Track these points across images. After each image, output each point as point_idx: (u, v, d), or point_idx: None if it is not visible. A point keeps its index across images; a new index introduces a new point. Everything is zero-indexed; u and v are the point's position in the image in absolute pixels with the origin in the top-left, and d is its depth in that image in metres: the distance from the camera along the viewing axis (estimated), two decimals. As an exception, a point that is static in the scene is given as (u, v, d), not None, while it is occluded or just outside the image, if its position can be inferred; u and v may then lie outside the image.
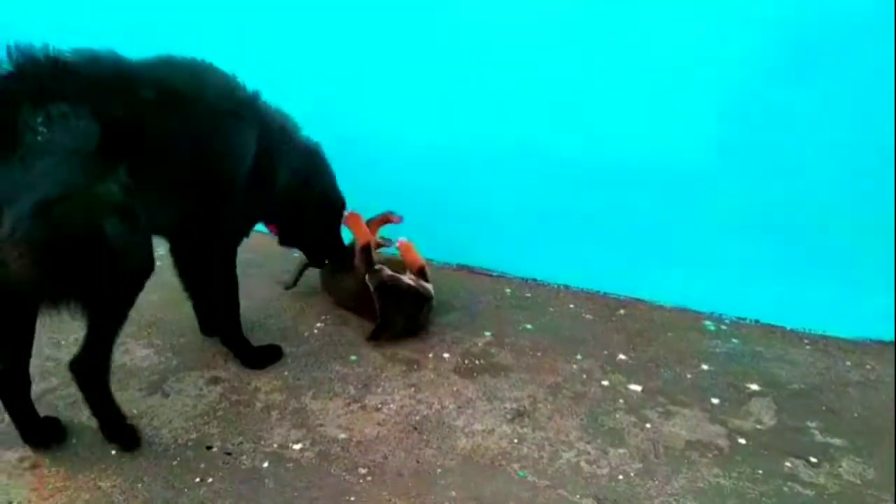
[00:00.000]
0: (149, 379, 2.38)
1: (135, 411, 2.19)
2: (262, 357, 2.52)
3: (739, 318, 3.00)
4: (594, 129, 2.96)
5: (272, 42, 3.38)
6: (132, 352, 2.53)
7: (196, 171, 2.06)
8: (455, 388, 2.40)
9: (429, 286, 2.75)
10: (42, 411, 2.16)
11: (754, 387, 2.49)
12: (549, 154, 3.06)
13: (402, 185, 3.32)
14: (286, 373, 2.45)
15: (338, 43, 3.26)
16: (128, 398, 2.25)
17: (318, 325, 2.81)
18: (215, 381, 2.39)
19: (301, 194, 2.56)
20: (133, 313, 2.00)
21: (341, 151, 3.40)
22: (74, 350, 2.51)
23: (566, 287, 3.26)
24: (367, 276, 2.66)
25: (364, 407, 2.27)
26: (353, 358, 2.57)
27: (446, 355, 2.62)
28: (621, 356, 2.67)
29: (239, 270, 3.34)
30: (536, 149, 3.08)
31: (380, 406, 2.28)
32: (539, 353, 2.66)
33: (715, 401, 2.39)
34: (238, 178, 2.20)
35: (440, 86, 3.15)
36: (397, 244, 2.92)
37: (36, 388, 2.26)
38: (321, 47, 3.30)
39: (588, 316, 3.01)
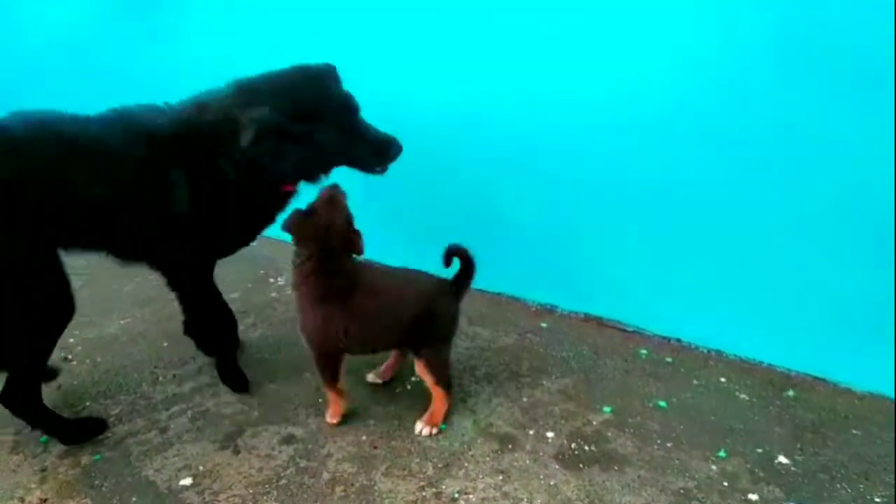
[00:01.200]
0: (226, 430, 2.25)
1: (201, 468, 2.06)
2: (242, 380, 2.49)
3: (966, 418, 2.21)
4: (777, 166, 2.36)
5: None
6: (219, 395, 2.44)
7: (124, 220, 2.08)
8: (552, 483, 1.97)
9: None
10: (116, 457, 2.12)
11: (980, 531, 1.76)
12: (709, 187, 2.49)
13: (522, 217, 2.94)
14: (364, 437, 2.19)
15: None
16: (199, 451, 2.14)
17: (413, 378, 2.51)
18: (289, 440, 2.19)
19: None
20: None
21: (462, 190, 3.11)
22: (171, 389, 2.51)
23: (718, 353, 2.65)
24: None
25: (439, 494, 1.93)
26: (442, 426, 2.24)
27: (550, 434, 2.19)
28: (782, 459, 2.05)
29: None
30: (692, 177, 2.52)
31: (456, 496, 1.92)
32: (669, 444, 2.13)
33: (914, 546, 1.72)
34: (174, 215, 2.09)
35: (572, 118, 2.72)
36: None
37: (119, 429, 2.25)
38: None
39: (743, 396, 2.39)
